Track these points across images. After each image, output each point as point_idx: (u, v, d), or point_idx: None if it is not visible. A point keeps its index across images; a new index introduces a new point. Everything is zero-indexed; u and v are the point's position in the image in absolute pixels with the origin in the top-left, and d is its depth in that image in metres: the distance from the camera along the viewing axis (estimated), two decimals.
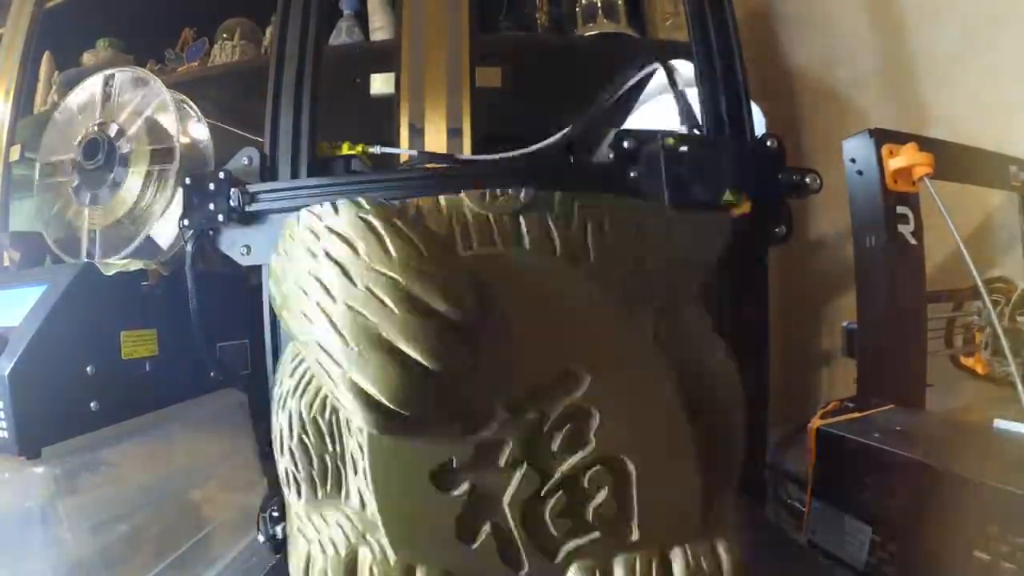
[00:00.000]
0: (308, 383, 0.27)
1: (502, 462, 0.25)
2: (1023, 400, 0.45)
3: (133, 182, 0.59)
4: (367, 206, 0.25)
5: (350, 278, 0.24)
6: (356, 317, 0.23)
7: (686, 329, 0.28)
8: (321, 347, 0.24)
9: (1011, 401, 0.46)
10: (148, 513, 0.49)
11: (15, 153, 1.05)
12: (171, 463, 0.54)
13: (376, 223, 0.25)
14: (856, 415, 0.48)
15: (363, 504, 0.26)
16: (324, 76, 0.53)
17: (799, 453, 0.50)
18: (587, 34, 0.96)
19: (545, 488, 0.26)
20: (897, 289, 0.52)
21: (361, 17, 0.97)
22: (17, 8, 1.10)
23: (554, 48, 0.92)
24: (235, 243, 0.50)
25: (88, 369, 0.46)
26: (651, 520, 0.26)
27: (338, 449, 0.27)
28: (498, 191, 0.26)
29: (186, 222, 0.49)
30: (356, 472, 0.26)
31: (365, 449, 0.25)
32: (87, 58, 1.10)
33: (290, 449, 0.28)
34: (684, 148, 0.37)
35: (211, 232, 0.50)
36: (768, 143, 0.53)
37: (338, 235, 0.25)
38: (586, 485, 0.26)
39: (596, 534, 0.26)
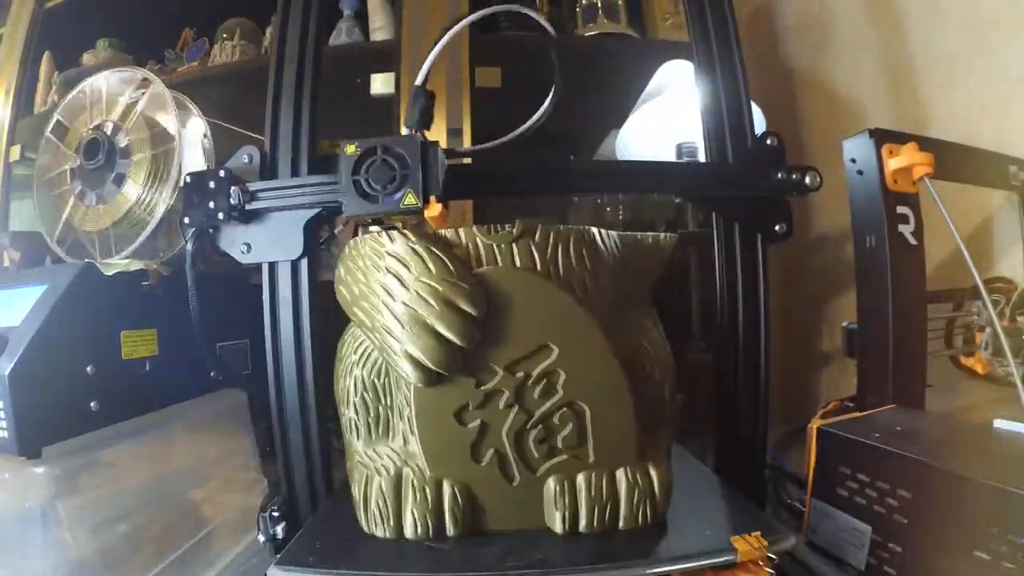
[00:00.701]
0: (367, 356, 0.40)
1: (501, 405, 0.37)
2: (1023, 400, 0.45)
3: (134, 182, 0.59)
4: (413, 238, 0.37)
5: (405, 285, 0.36)
6: (409, 311, 0.36)
7: (631, 320, 0.41)
8: (387, 330, 0.36)
9: (1011, 401, 0.46)
10: (148, 513, 0.49)
11: (15, 153, 1.06)
12: (171, 463, 0.54)
13: (419, 249, 0.37)
14: (856, 415, 0.48)
15: (405, 441, 0.39)
16: (324, 76, 0.53)
17: (799, 453, 0.50)
18: (587, 34, 0.96)
19: (529, 423, 0.37)
20: (897, 289, 0.52)
21: (361, 17, 0.97)
22: (17, 8, 1.10)
23: (554, 48, 0.92)
24: (235, 241, 0.50)
25: (88, 369, 0.46)
26: (602, 448, 0.37)
27: (389, 402, 0.39)
28: (498, 227, 0.38)
29: (186, 220, 0.49)
30: (401, 418, 0.38)
31: (412, 400, 0.37)
32: (87, 58, 1.10)
33: (354, 404, 0.40)
34: (360, 154, 0.44)
35: (211, 230, 0.50)
36: (768, 141, 0.53)
37: (394, 257, 0.37)
38: (556, 422, 0.37)
39: (564, 456, 0.37)
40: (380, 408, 0.39)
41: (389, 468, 0.38)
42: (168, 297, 0.53)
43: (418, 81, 0.46)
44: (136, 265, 0.52)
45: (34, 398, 0.41)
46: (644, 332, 0.41)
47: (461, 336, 0.35)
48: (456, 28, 0.46)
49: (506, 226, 0.38)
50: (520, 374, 0.37)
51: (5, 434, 0.40)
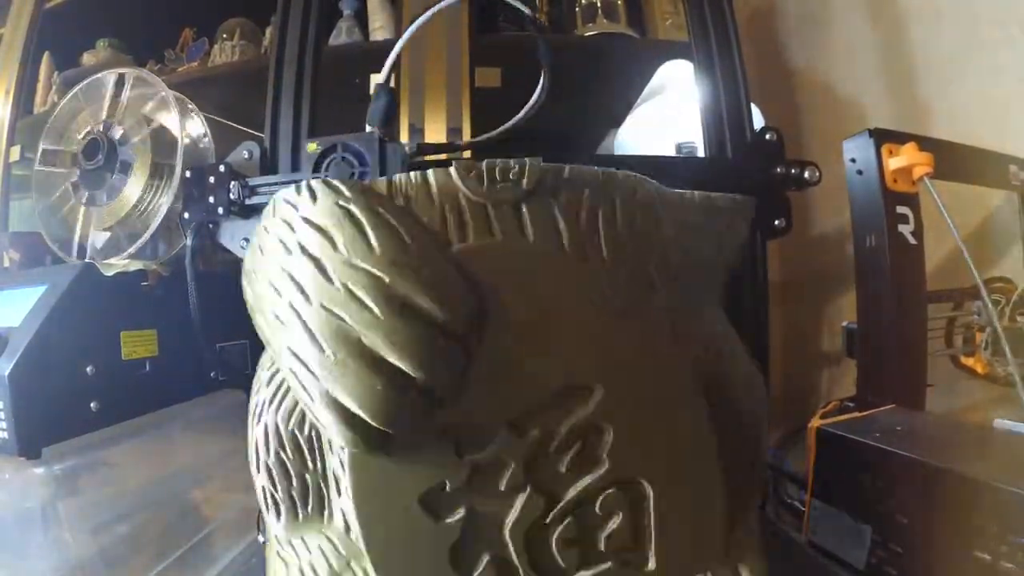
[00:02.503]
0: (286, 393, 0.24)
1: (502, 485, 0.22)
2: (1023, 400, 0.45)
3: (135, 182, 0.59)
4: (348, 192, 0.22)
5: (327, 275, 0.21)
6: (333, 320, 0.21)
7: (708, 332, 0.25)
8: (294, 354, 0.21)
9: (1011, 401, 0.46)
10: (148, 513, 0.49)
11: (15, 153, 1.05)
12: (171, 463, 0.54)
13: (357, 211, 0.22)
14: (856, 415, 0.48)
15: (348, 528, 0.23)
16: (324, 76, 0.53)
17: (799, 453, 0.50)
18: (587, 34, 0.96)
19: (551, 514, 0.23)
20: (897, 289, 0.52)
21: (361, 17, 0.97)
22: (17, 8, 1.10)
23: (554, 48, 0.92)
24: (235, 236, 0.50)
25: (88, 369, 0.46)
26: (670, 547, 0.23)
27: (319, 467, 0.24)
28: (497, 173, 0.23)
29: (186, 215, 0.49)
30: (340, 493, 0.23)
31: (347, 469, 0.22)
32: (87, 58, 1.10)
33: (267, 466, 0.25)
34: (321, 152, 0.42)
35: (211, 225, 0.50)
36: (767, 136, 0.53)
37: (314, 226, 0.22)
38: (598, 510, 0.23)
39: (608, 564, 0.23)
40: (307, 475, 0.24)
41: (321, 571, 0.24)
42: (168, 297, 0.53)
43: (380, 78, 0.46)
44: (136, 265, 0.52)
45: (34, 398, 0.41)
46: (726, 351, 0.26)
47: (423, 366, 0.20)
48: (424, 18, 0.46)
49: (510, 172, 0.23)
50: (535, 433, 0.22)
51: (5, 434, 0.40)
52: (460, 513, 0.23)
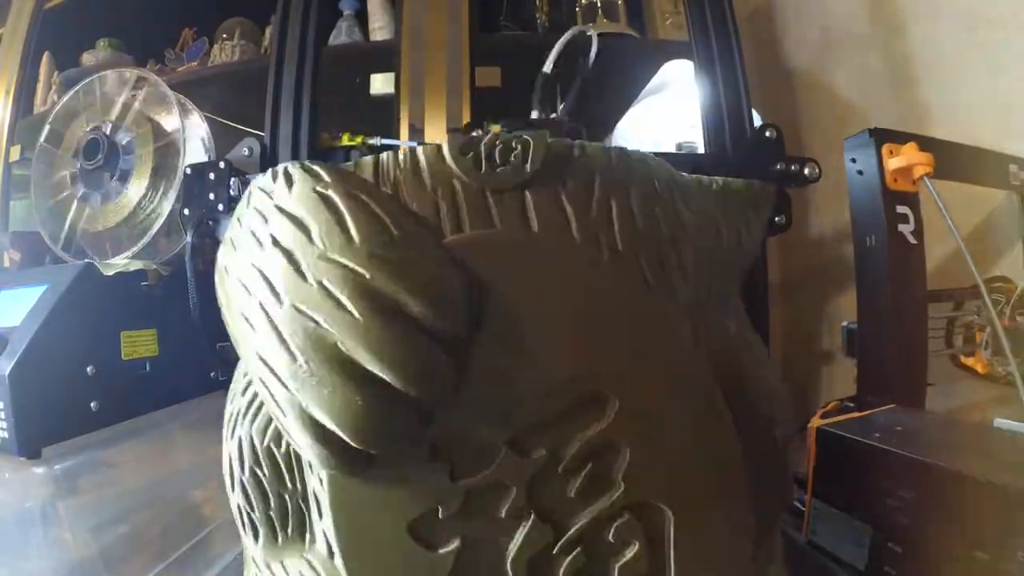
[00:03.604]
0: (262, 404, 0.21)
1: (503, 512, 0.20)
2: (1023, 400, 0.45)
3: (136, 182, 0.59)
4: (327, 177, 0.19)
5: (300, 271, 0.18)
6: (305, 323, 0.17)
7: (729, 329, 0.22)
8: (263, 362, 0.18)
9: (1011, 401, 0.46)
10: (148, 513, 0.49)
11: (15, 153, 1.05)
12: (171, 463, 0.54)
13: (335, 198, 0.19)
14: (856, 415, 0.48)
15: (331, 553, 0.20)
16: (324, 76, 0.53)
17: (799, 453, 0.50)
18: (588, 33, 0.96)
19: (559, 544, 0.20)
20: (897, 289, 0.51)
21: (361, 17, 0.97)
22: (17, 8, 1.10)
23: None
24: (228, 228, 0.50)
25: (88, 369, 0.46)
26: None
27: (298, 486, 0.21)
28: (497, 155, 0.20)
29: (186, 211, 0.49)
30: (321, 515, 0.20)
31: (326, 493, 0.19)
32: (87, 58, 1.10)
33: (242, 484, 0.22)
34: None
35: (211, 222, 0.50)
36: (767, 133, 0.53)
37: (289, 216, 0.19)
38: (611, 539, 0.20)
39: None
40: (285, 495, 0.22)
41: None
42: (168, 297, 0.53)
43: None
44: (136, 265, 0.52)
45: (34, 398, 0.41)
46: (746, 351, 0.24)
47: (410, 376, 0.17)
48: None
49: (512, 153, 0.20)
50: (541, 453, 0.19)
51: (5, 434, 0.40)
52: (455, 543, 0.19)
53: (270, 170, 0.21)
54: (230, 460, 0.23)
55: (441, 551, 0.19)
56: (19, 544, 0.41)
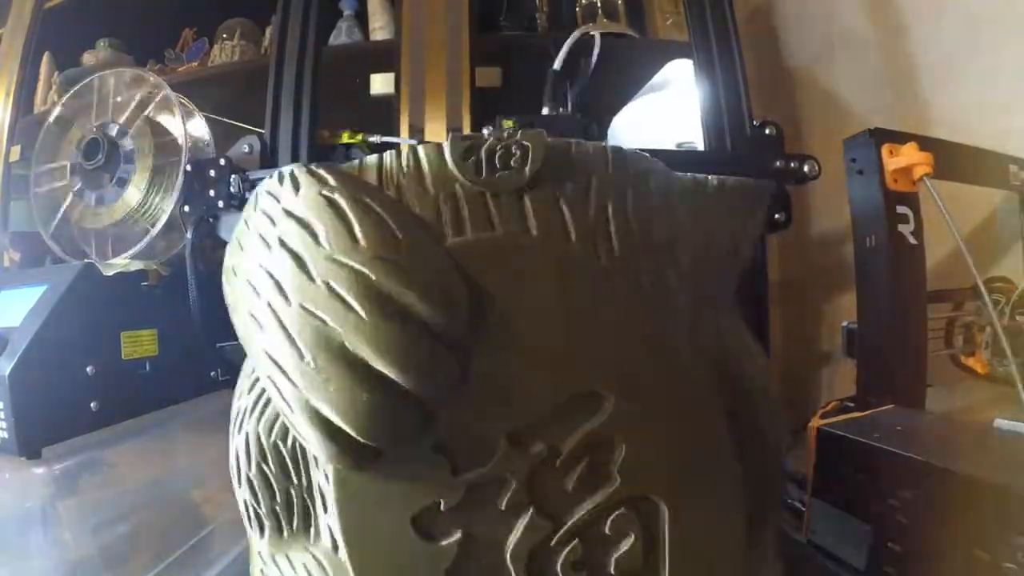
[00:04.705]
0: (268, 402, 0.22)
1: (503, 505, 0.20)
2: (1023, 400, 0.45)
3: (136, 183, 0.59)
4: (333, 180, 0.20)
5: (307, 272, 0.19)
6: (313, 322, 0.18)
7: (724, 331, 0.23)
8: (272, 360, 0.19)
9: (1011, 401, 0.46)
10: (148, 513, 0.49)
11: (15, 153, 1.06)
12: (171, 463, 0.54)
13: (341, 201, 0.19)
14: (856, 415, 0.48)
15: (335, 546, 0.21)
16: (324, 76, 0.53)
17: (799, 453, 0.50)
18: (588, 33, 0.96)
19: (557, 536, 0.21)
20: (897, 289, 0.51)
21: (361, 17, 0.97)
22: (17, 8, 1.10)
23: (554, 48, 0.92)
24: (235, 230, 0.50)
25: (88, 369, 0.46)
26: (686, 569, 0.21)
27: (304, 481, 0.22)
28: (497, 159, 0.20)
29: (186, 208, 0.49)
30: (326, 509, 0.21)
31: (331, 487, 0.20)
32: (87, 58, 1.10)
33: (248, 479, 0.23)
34: None
35: (211, 219, 0.50)
36: (766, 130, 0.53)
37: (296, 218, 0.20)
38: (608, 532, 0.21)
39: None
40: (291, 490, 0.22)
41: None
42: (168, 297, 0.53)
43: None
44: (136, 265, 0.52)
45: (34, 398, 0.41)
46: (741, 349, 0.24)
47: (413, 373, 0.18)
48: None
49: (511, 158, 0.21)
50: (539, 447, 0.20)
51: (5, 434, 0.40)
52: (456, 535, 0.20)
53: (276, 173, 0.22)
54: (237, 456, 0.24)
55: (443, 543, 0.20)
56: (19, 544, 0.41)
